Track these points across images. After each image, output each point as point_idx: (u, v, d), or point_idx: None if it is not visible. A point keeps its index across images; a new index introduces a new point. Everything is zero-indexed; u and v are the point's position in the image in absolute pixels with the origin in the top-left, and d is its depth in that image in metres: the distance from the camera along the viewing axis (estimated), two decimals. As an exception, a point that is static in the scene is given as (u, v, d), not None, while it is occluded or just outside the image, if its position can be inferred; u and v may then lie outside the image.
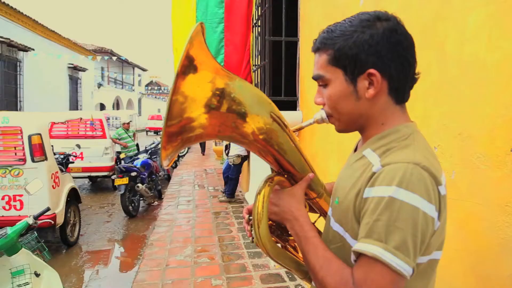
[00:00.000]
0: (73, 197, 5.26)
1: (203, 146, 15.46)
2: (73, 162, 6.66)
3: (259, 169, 5.01)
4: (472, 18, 1.38)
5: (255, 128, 0.86)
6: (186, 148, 15.69)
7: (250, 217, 1.04)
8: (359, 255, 0.76)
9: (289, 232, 1.05)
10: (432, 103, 1.60)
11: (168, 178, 9.59)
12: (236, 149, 6.68)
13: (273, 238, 1.03)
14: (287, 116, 0.99)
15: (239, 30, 4.14)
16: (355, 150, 0.99)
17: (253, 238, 1.04)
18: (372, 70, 0.82)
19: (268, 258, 4.06)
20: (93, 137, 8.46)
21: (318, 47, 0.89)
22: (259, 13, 4.48)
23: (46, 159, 4.56)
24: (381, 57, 0.82)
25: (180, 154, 13.96)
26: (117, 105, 30.21)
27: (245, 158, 6.77)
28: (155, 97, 43.75)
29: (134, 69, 34.92)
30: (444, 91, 1.53)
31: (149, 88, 42.01)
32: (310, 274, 0.87)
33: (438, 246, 0.83)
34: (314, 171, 1.02)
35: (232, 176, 6.74)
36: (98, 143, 8.31)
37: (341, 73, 0.85)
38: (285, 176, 1.01)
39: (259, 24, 4.51)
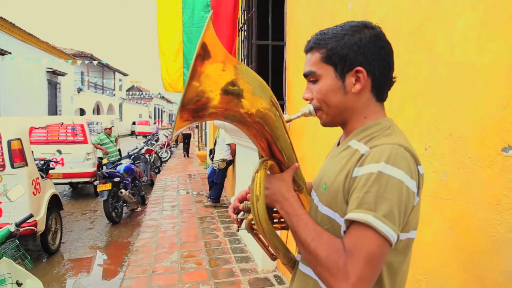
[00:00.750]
0: (55, 203, 5.13)
1: (187, 148, 15.39)
2: (53, 168, 6.49)
3: (244, 174, 5.00)
4: (462, 21, 1.41)
5: (256, 110, 0.92)
6: (169, 153, 15.55)
7: (247, 202, 1.12)
8: (350, 224, 0.83)
9: (279, 214, 1.09)
10: (423, 104, 1.63)
11: (152, 183, 9.46)
12: (221, 154, 6.66)
13: None
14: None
15: (225, 34, 4.14)
16: (338, 144, 1.08)
17: (239, 226, 1.13)
18: (359, 68, 0.94)
19: (255, 262, 4.05)
20: (74, 142, 8.28)
21: (312, 47, 0.99)
22: (245, 17, 4.49)
23: (26, 164, 4.44)
24: (367, 57, 0.94)
25: (163, 159, 13.79)
26: (97, 110, 29.73)
27: (230, 162, 6.75)
28: (136, 102, 43.22)
29: (115, 74, 34.40)
30: (435, 93, 1.56)
31: (130, 93, 41.47)
32: (300, 249, 0.92)
33: (415, 225, 0.92)
34: (298, 162, 1.08)
35: (217, 181, 6.70)
36: (79, 149, 8.13)
37: (332, 70, 0.96)
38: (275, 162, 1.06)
39: (245, 28, 4.51)
